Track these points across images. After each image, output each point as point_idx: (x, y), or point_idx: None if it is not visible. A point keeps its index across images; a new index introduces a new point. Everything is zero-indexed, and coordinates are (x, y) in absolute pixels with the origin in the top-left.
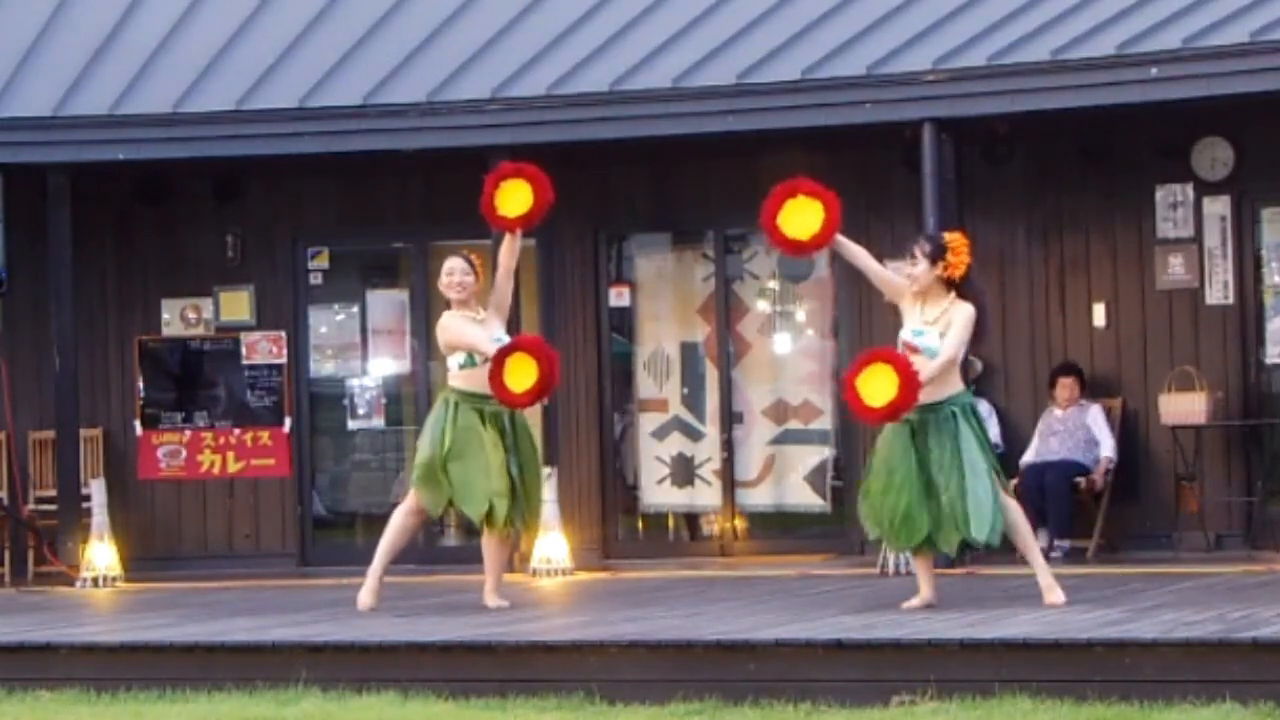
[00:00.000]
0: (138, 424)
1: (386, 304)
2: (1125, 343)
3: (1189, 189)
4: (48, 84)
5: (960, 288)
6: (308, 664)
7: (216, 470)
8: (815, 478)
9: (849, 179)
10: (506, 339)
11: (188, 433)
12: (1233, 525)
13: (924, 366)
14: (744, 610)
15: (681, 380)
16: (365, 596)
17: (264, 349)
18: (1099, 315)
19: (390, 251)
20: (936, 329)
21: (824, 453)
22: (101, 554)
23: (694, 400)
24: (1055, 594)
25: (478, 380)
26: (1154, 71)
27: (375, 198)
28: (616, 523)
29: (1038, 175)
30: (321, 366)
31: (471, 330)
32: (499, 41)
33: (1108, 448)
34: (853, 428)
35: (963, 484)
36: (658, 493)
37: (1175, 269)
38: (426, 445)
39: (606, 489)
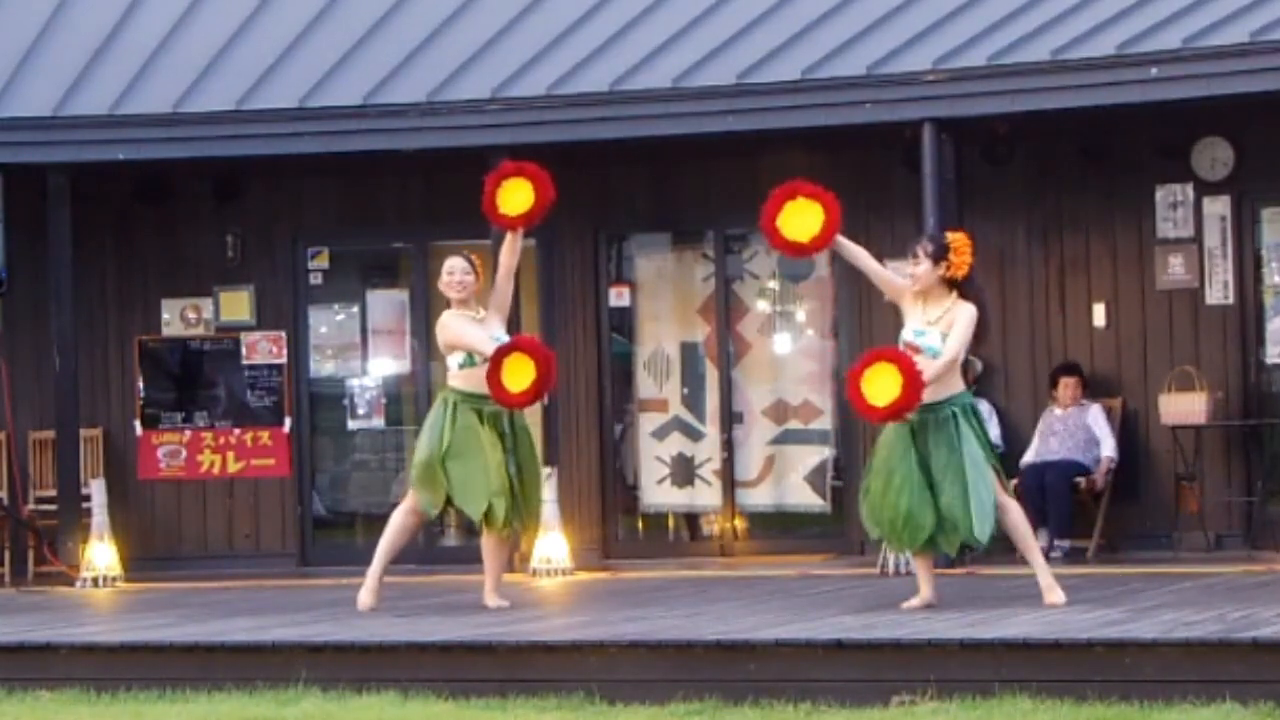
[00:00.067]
0: (138, 424)
1: (386, 304)
2: (1125, 343)
3: (1189, 189)
4: (48, 84)
5: (961, 288)
6: (308, 664)
7: (216, 470)
8: (815, 478)
9: (849, 179)
10: (506, 338)
11: (188, 433)
12: (1233, 525)
13: (926, 366)
14: (744, 610)
15: (681, 380)
16: (365, 596)
17: (264, 349)
18: (1099, 315)
19: (390, 251)
20: (938, 329)
21: (824, 453)
22: (101, 554)
23: (694, 400)
24: (1055, 594)
25: (477, 380)
26: (1154, 71)
27: (375, 198)
28: (616, 523)
29: (1038, 175)
30: (321, 366)
31: (471, 330)
32: (499, 41)
33: (1109, 447)
34: (853, 428)
35: (964, 484)
36: (658, 493)
37: (1175, 269)
38: (425, 445)
39: (606, 489)
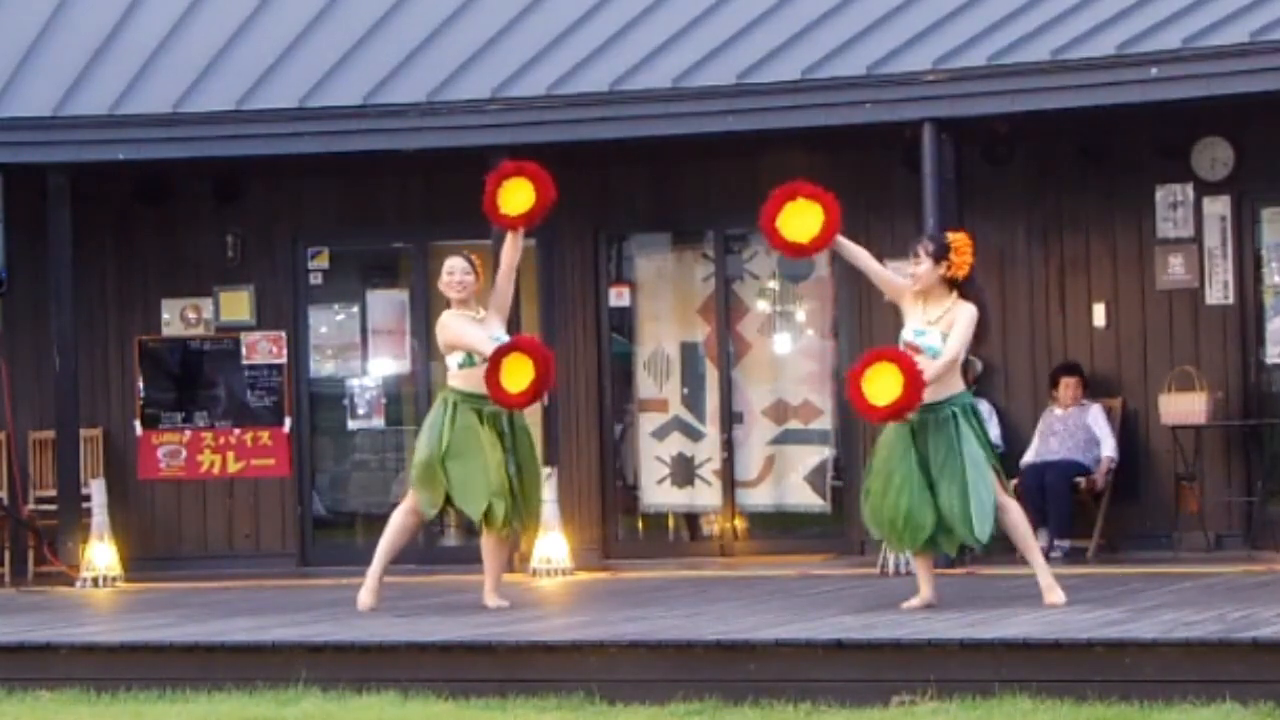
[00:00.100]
0: (138, 424)
1: (386, 304)
2: (1125, 343)
3: (1189, 189)
4: (48, 84)
5: (962, 288)
6: (308, 664)
7: (216, 470)
8: (815, 478)
9: (849, 179)
10: (506, 338)
11: (188, 433)
12: (1233, 525)
13: (926, 366)
14: (744, 610)
15: (681, 380)
16: (365, 596)
17: (264, 349)
18: (1099, 315)
19: (390, 251)
20: (938, 329)
21: (824, 453)
22: (101, 554)
23: (694, 400)
24: (1055, 594)
25: (476, 380)
26: (1154, 71)
27: (375, 198)
28: (616, 523)
29: (1038, 175)
30: (321, 366)
31: (470, 330)
32: (499, 41)
33: (1109, 447)
34: (853, 427)
35: (964, 484)
36: (658, 493)
37: (1175, 269)
38: (425, 445)
39: (606, 489)
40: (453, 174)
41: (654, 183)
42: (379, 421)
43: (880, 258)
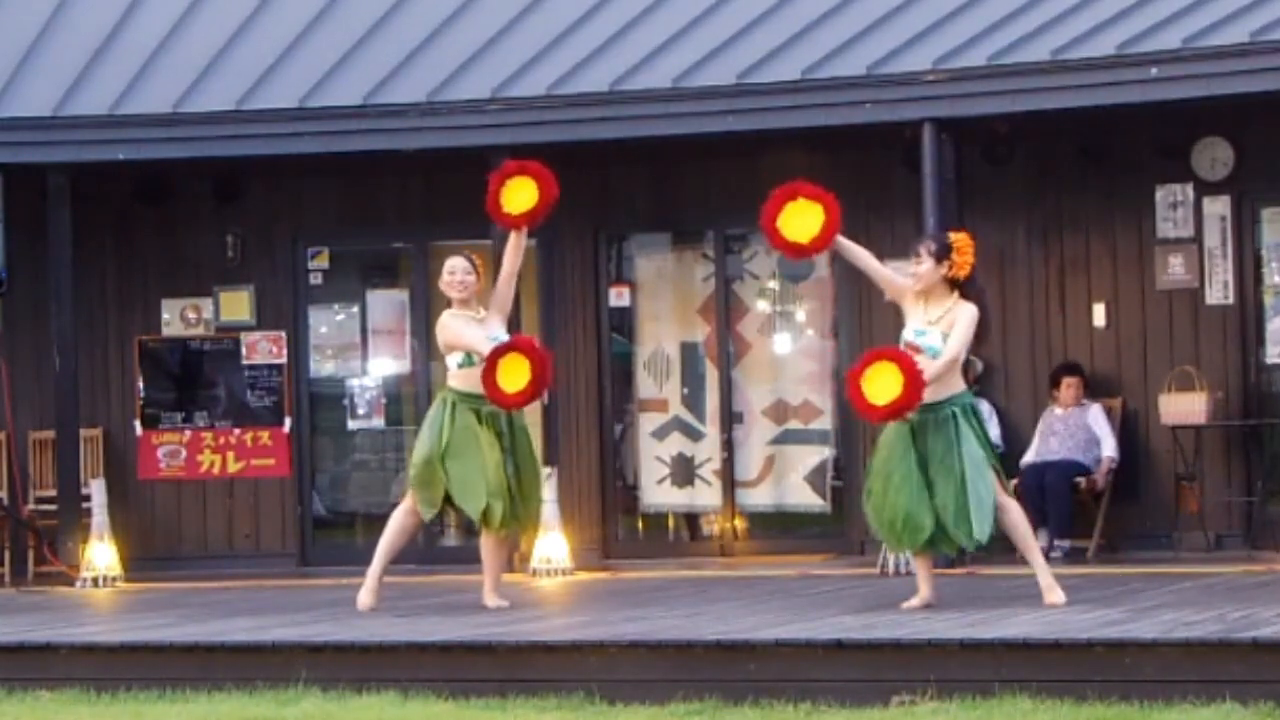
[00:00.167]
0: (138, 424)
1: (386, 304)
2: (1125, 343)
3: (1189, 189)
4: (48, 84)
5: (963, 288)
6: (308, 664)
7: (216, 470)
8: (815, 478)
9: (849, 179)
10: (505, 338)
11: (188, 433)
12: (1233, 525)
13: (927, 366)
14: (744, 610)
15: (681, 380)
16: (365, 596)
17: (264, 349)
18: (1099, 315)
19: (390, 251)
20: (939, 329)
21: (824, 453)
22: (101, 554)
23: (694, 400)
24: (1055, 594)
25: (475, 380)
26: (1154, 71)
27: (375, 198)
28: (616, 523)
29: (1038, 175)
30: (321, 366)
31: (470, 330)
32: (499, 41)
33: (1109, 447)
34: (853, 428)
35: (964, 483)
36: (658, 493)
37: (1175, 269)
38: (424, 444)
39: (606, 489)
40: (453, 174)
41: (654, 183)
42: (379, 421)
43: (880, 258)
